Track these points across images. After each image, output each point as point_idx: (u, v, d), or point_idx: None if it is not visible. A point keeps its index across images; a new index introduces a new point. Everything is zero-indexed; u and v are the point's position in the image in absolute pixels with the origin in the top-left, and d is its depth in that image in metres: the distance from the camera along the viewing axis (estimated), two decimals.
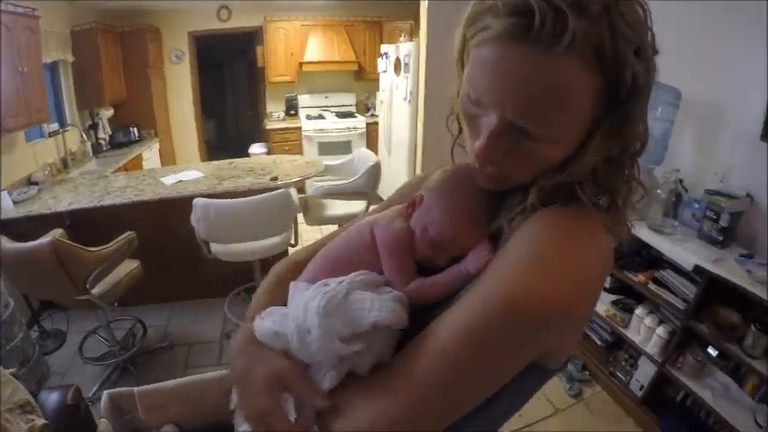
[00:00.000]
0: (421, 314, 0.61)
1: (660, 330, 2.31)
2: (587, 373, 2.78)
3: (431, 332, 0.57)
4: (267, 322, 0.65)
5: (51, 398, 1.64)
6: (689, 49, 2.33)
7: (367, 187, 3.46)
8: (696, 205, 2.26)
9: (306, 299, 0.62)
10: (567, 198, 0.59)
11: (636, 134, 0.57)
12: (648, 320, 2.39)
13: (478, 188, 0.65)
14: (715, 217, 2.11)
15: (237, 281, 3.53)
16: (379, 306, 0.59)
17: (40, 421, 1.47)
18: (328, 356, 0.58)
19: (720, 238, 2.10)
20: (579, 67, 0.49)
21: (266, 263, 3.11)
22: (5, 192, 3.06)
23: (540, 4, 0.47)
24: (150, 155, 5.43)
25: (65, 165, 4.23)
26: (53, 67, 4.43)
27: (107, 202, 3.02)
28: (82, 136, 4.61)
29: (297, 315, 0.61)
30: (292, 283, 0.70)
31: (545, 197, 0.59)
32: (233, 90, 9.09)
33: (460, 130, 0.69)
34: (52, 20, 4.12)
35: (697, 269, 2.05)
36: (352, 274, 0.65)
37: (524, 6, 0.48)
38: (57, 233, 2.33)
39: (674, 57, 2.47)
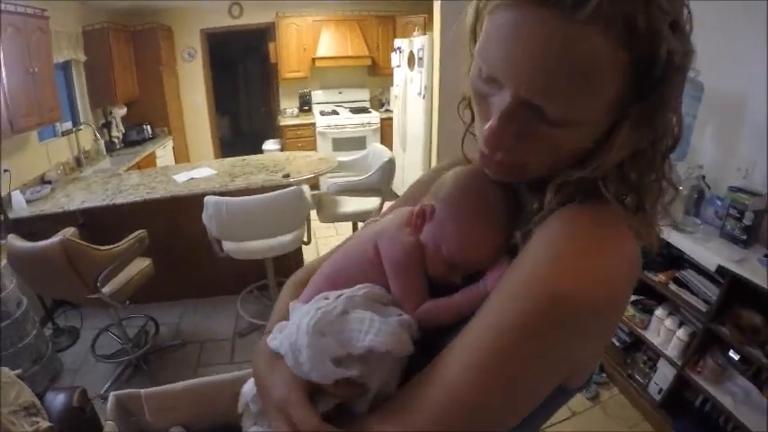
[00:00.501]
0: (435, 338, 0.56)
1: (680, 332, 2.23)
2: (605, 375, 2.71)
3: (441, 360, 0.52)
4: (270, 340, 0.61)
5: (57, 399, 1.64)
6: (711, 41, 2.24)
7: (381, 183, 3.41)
8: (719, 202, 2.18)
9: (301, 314, 0.57)
10: (587, 194, 0.53)
11: (668, 126, 0.50)
12: (668, 322, 2.32)
13: (496, 197, 0.60)
14: (738, 215, 2.02)
15: (250, 278, 3.53)
16: (377, 329, 0.53)
17: (45, 424, 1.46)
18: (321, 378, 0.53)
19: (744, 237, 2.02)
20: (606, 39, 0.43)
21: (279, 261, 3.11)
22: (18, 191, 3.08)
23: None
24: (164, 152, 5.46)
25: (78, 163, 4.25)
26: (66, 67, 4.46)
27: (119, 200, 3.03)
28: (95, 134, 4.64)
29: (291, 332, 0.57)
30: (291, 303, 0.65)
31: (564, 196, 0.53)
32: (246, 87, 9.12)
33: (473, 118, 0.62)
34: (63, 20, 4.14)
35: (720, 270, 1.97)
36: (356, 287, 0.59)
37: None
38: (68, 232, 2.33)
39: (695, 48, 2.39)
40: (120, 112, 5.15)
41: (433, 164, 4.42)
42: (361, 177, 3.45)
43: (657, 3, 0.42)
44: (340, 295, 0.57)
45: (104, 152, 4.77)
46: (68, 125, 4.22)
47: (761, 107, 2.04)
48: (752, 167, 2.04)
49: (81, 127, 4.40)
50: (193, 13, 5.92)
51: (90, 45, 4.63)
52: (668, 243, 2.26)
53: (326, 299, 0.58)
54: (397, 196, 0.88)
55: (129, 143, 5.17)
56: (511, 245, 0.58)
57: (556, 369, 0.51)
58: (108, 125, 5.01)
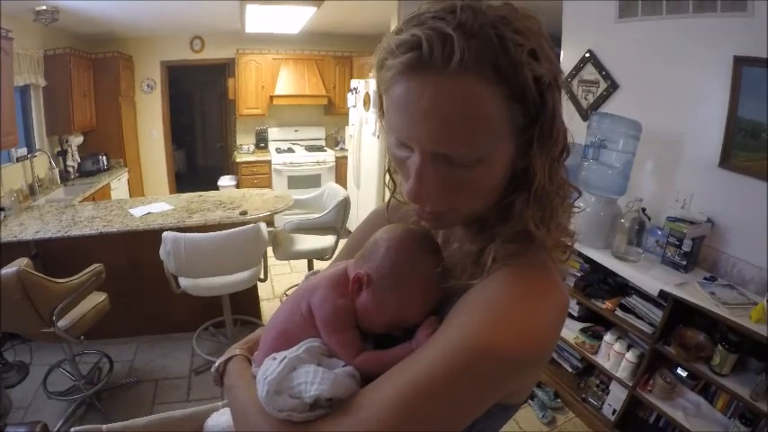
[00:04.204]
0: None
1: (629, 355, 2.37)
2: (559, 400, 2.81)
3: (388, 377, 0.57)
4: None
5: None
6: (648, 84, 2.50)
7: (336, 222, 3.49)
8: (659, 232, 2.37)
9: (257, 379, 0.64)
10: (519, 241, 0.61)
11: (562, 134, 0.59)
12: (617, 346, 2.46)
13: (430, 262, 0.66)
14: (678, 243, 2.21)
15: (206, 315, 3.49)
16: (321, 378, 0.59)
17: None
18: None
19: (684, 263, 2.20)
20: (479, 81, 0.51)
21: (235, 297, 3.12)
22: None
23: (427, 34, 0.50)
24: (118, 185, 5.32)
25: (32, 191, 4.10)
26: (24, 91, 4.34)
27: (74, 232, 2.94)
28: (50, 163, 4.49)
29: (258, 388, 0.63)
30: (253, 369, 0.71)
31: (501, 250, 0.61)
32: (203, 121, 9.03)
33: (395, 187, 0.73)
34: (26, 42, 4.07)
35: (662, 294, 2.13)
36: (297, 345, 0.66)
37: (414, 40, 0.52)
38: (22, 263, 2.25)
39: (634, 92, 2.64)
40: (77, 140, 5.01)
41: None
42: (316, 216, 3.52)
43: (512, 40, 0.51)
44: (284, 357, 0.63)
45: (59, 181, 4.62)
46: (23, 151, 4.07)
47: (698, 142, 2.27)
48: (689, 198, 2.24)
49: (36, 154, 4.26)
50: (155, 44, 5.91)
51: (50, 70, 4.53)
52: (613, 272, 2.43)
53: (274, 359, 0.64)
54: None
55: (83, 173, 5.01)
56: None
57: (497, 393, 0.58)
58: (63, 153, 4.85)
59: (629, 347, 2.41)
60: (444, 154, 0.55)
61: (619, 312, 2.43)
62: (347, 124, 5.78)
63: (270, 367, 0.62)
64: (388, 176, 0.76)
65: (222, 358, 0.78)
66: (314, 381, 0.58)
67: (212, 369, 0.79)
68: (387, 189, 0.76)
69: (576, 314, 2.77)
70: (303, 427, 0.57)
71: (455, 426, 0.55)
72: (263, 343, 0.73)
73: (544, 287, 0.59)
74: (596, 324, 2.69)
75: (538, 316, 0.57)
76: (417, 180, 0.57)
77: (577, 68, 2.92)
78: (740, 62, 2.06)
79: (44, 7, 3.80)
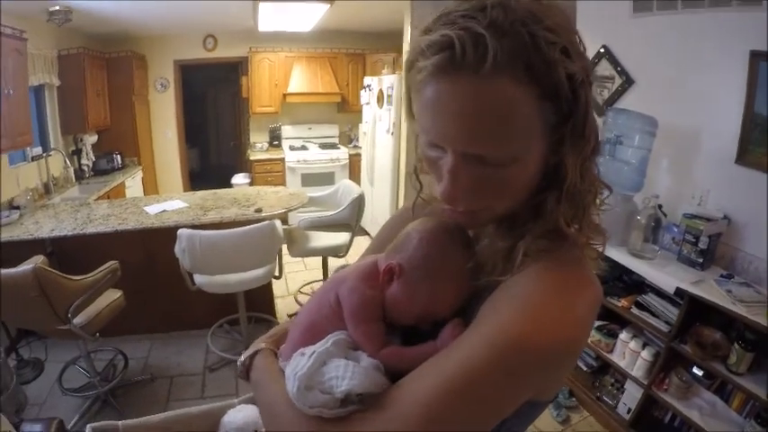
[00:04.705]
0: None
1: (645, 353, 2.35)
2: (574, 399, 2.79)
3: (419, 373, 0.57)
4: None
5: (34, 430, 1.59)
6: (664, 80, 2.45)
7: (351, 219, 3.49)
8: (675, 229, 2.33)
9: (286, 375, 0.64)
10: (550, 238, 0.60)
11: (593, 131, 0.58)
12: (633, 344, 2.43)
13: (462, 253, 0.66)
14: (694, 240, 2.17)
15: (221, 312, 3.52)
16: (352, 373, 0.58)
17: None
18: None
19: (700, 260, 2.17)
20: (512, 82, 0.50)
21: (250, 294, 3.13)
22: None
23: (459, 34, 0.50)
24: (133, 183, 5.38)
25: (47, 190, 4.17)
26: (38, 90, 4.41)
27: (90, 230, 2.98)
28: (65, 161, 4.55)
29: (288, 384, 0.63)
30: (280, 363, 0.71)
31: (531, 246, 0.61)
32: (216, 119, 9.08)
33: (421, 186, 0.75)
34: (40, 43, 4.13)
35: (678, 291, 2.10)
36: (325, 338, 0.65)
37: (445, 40, 0.51)
38: (38, 260, 2.28)
39: (649, 88, 2.59)
40: (91, 139, 5.08)
41: (401, 199, 4.52)
42: (331, 213, 3.52)
43: (544, 38, 0.50)
44: (313, 353, 0.63)
45: (73, 180, 4.70)
46: (38, 150, 4.14)
47: (714, 138, 2.23)
48: (706, 195, 2.21)
49: (51, 153, 4.33)
50: (168, 43, 5.96)
51: (64, 70, 4.59)
52: (628, 269, 2.40)
53: (303, 354, 0.64)
54: (366, 231, 0.93)
55: (98, 172, 5.09)
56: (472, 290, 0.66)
57: (529, 389, 0.57)
58: (78, 152, 4.94)
59: (644, 346, 2.39)
60: (477, 154, 0.55)
61: (634, 310, 2.40)
62: (361, 121, 5.77)
63: (300, 362, 0.62)
64: (414, 177, 0.76)
65: (248, 352, 0.78)
66: (345, 375, 0.58)
67: (238, 363, 0.79)
68: (412, 188, 0.76)
69: None
70: (335, 424, 0.57)
71: (488, 421, 0.55)
72: (290, 336, 0.73)
73: (576, 281, 0.59)
74: (612, 322, 2.65)
75: (569, 308, 0.56)
76: (451, 181, 0.57)
77: (592, 64, 2.89)
78: (756, 57, 2.01)
79: (57, 8, 3.85)
